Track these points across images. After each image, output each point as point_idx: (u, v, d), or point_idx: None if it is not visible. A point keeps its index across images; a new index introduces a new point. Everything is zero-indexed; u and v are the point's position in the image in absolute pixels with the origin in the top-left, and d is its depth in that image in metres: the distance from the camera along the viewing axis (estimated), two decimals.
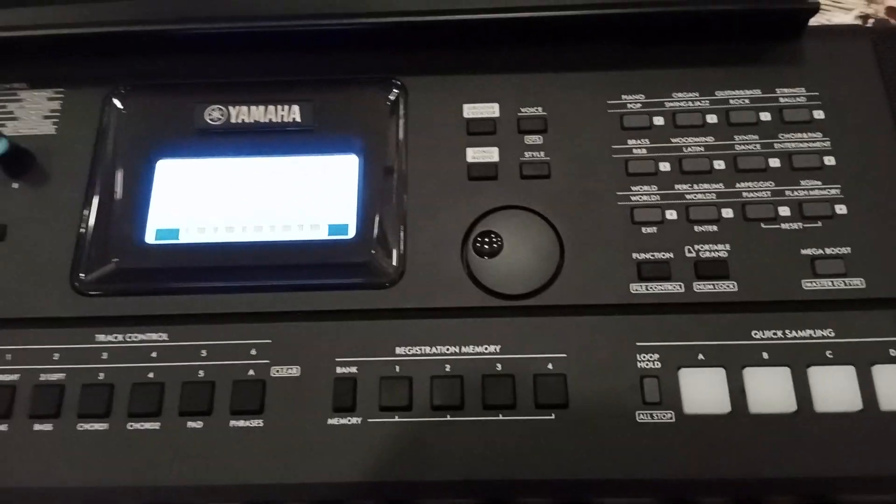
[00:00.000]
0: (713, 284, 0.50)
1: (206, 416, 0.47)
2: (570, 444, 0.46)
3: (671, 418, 0.47)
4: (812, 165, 0.53)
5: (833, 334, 0.48)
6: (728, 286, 0.50)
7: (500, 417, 0.47)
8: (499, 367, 0.48)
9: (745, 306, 0.50)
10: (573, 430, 0.46)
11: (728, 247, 0.51)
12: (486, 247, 0.51)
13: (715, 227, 0.52)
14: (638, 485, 0.46)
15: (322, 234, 0.52)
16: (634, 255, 0.51)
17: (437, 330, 0.49)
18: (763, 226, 0.51)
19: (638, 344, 0.48)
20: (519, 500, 0.46)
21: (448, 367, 0.48)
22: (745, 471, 0.45)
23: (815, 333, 0.48)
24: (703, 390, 0.47)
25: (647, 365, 0.48)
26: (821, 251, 0.50)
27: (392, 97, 0.56)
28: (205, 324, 0.50)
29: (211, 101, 0.55)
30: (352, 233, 0.52)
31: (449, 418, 0.47)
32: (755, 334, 0.49)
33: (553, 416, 0.47)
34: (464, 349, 0.48)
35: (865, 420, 0.46)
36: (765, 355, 0.48)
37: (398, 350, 0.48)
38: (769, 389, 0.47)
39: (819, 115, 0.54)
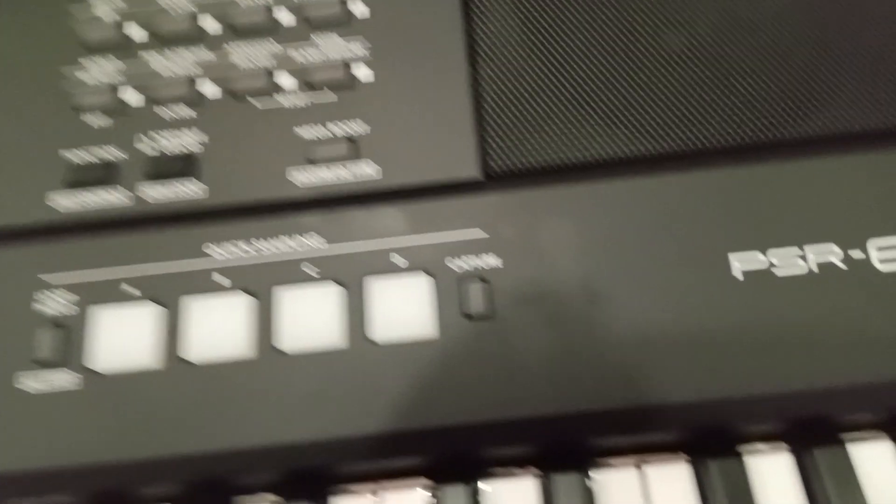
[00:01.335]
0: (174, 189, 0.35)
1: None
2: None
3: (72, 383, 0.32)
4: (333, 17, 0.38)
5: (324, 243, 0.34)
6: (194, 190, 0.35)
7: None
8: None
9: (211, 215, 0.35)
10: None
11: (205, 137, 0.37)
12: None
13: (190, 111, 0.37)
14: None
15: None
16: (64, 153, 0.36)
17: None
18: (255, 104, 0.37)
19: (41, 277, 0.34)
20: None
21: None
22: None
23: (294, 244, 0.34)
24: (124, 338, 0.33)
25: (47, 308, 0.33)
26: (327, 133, 0.36)
27: None
28: None
29: None
30: None
31: None
32: (210, 249, 0.34)
33: None
34: None
35: (350, 360, 0.32)
36: (218, 279, 0.34)
37: None
38: (218, 327, 0.33)
39: None
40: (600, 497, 0.32)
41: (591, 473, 0.33)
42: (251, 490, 0.34)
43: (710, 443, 0.32)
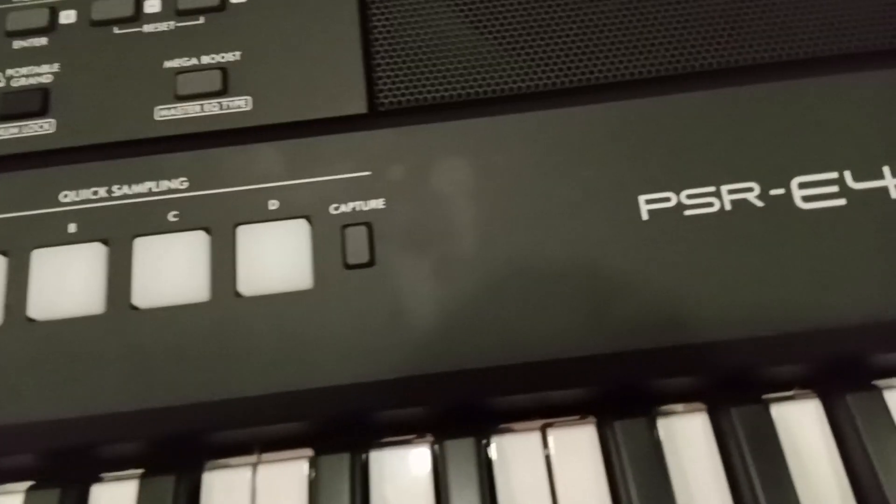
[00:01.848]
0: (19, 126, 0.31)
1: None
2: None
3: None
4: None
5: (186, 185, 0.30)
6: (42, 126, 0.31)
7: None
8: None
9: (65, 155, 0.31)
10: None
11: (56, 67, 0.32)
12: None
13: (43, 40, 0.33)
14: None
15: None
16: None
17: None
18: (117, 31, 0.33)
19: None
20: None
21: None
22: None
23: (157, 186, 0.30)
24: None
25: None
26: (194, 60, 0.32)
27: None
28: None
29: None
30: None
31: None
32: (64, 197, 0.30)
33: None
34: None
35: (213, 314, 0.29)
36: (73, 228, 0.30)
37: None
38: (68, 281, 0.29)
39: None
40: (498, 464, 0.29)
41: (491, 439, 0.29)
42: (117, 463, 0.30)
43: (613, 402, 0.29)
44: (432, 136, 0.31)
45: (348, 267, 0.29)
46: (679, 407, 0.30)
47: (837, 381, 0.28)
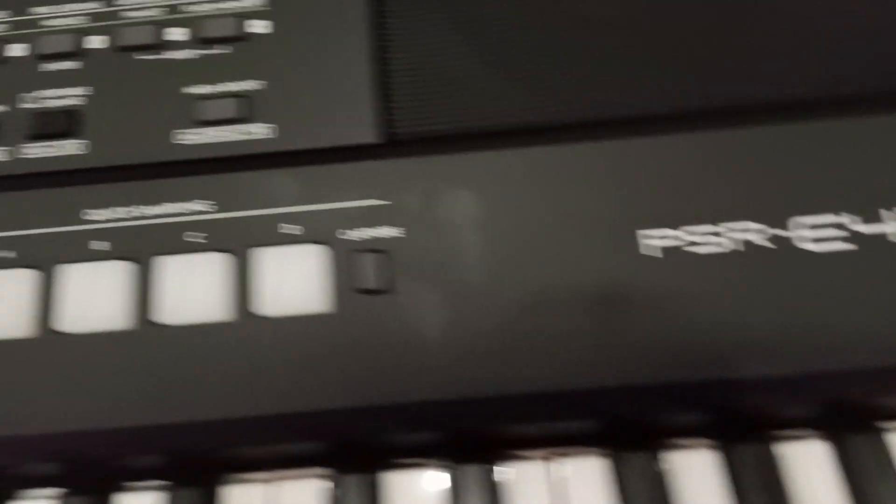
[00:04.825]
0: (54, 145, 0.32)
1: None
2: None
3: None
4: None
5: (211, 209, 0.31)
6: (76, 147, 0.32)
7: None
8: None
9: (90, 175, 0.32)
10: None
11: (89, 90, 0.33)
12: None
13: (75, 63, 0.34)
14: None
15: None
16: None
17: None
18: (138, 57, 0.34)
19: None
20: None
21: None
22: None
23: (180, 208, 0.31)
24: None
25: None
26: (217, 89, 0.33)
27: None
28: None
29: None
30: None
31: None
32: (88, 215, 0.31)
33: None
34: None
35: (236, 333, 0.29)
36: (96, 245, 0.31)
37: None
38: (94, 297, 0.30)
39: None
40: (508, 492, 0.30)
41: (498, 466, 0.30)
42: (139, 476, 0.31)
43: (622, 433, 0.29)
44: (449, 168, 0.31)
45: (364, 292, 0.30)
46: (687, 441, 0.30)
47: (844, 421, 0.29)
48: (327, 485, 0.30)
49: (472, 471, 0.30)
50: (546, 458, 0.30)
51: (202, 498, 0.30)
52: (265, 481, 0.31)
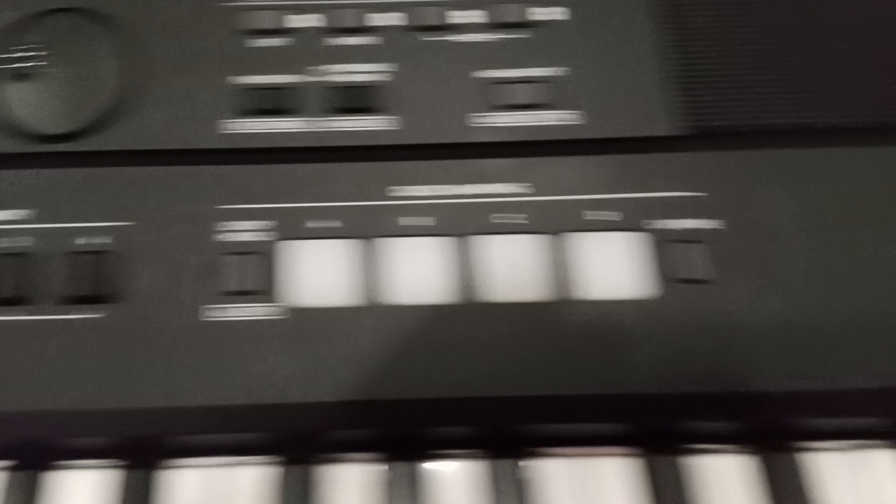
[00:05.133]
0: (363, 120, 0.33)
1: None
2: (118, 354, 0.29)
3: (270, 314, 0.30)
4: None
5: (531, 189, 0.32)
6: (386, 122, 0.33)
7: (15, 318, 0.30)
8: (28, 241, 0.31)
9: (396, 151, 0.32)
10: (125, 334, 0.30)
11: (392, 68, 0.34)
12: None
13: (367, 39, 0.34)
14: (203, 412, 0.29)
15: None
16: (232, 80, 0.33)
17: None
18: (438, 38, 0.34)
19: (218, 208, 0.31)
20: None
21: None
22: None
23: (496, 189, 0.32)
24: (315, 274, 0.30)
25: (228, 238, 0.31)
26: (517, 73, 0.33)
27: None
28: None
29: None
30: None
31: None
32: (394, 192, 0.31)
33: (101, 314, 0.30)
34: None
35: (557, 313, 0.30)
36: (404, 221, 0.31)
37: None
38: (415, 273, 0.30)
39: None
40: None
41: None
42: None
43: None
44: (760, 163, 0.32)
45: (688, 281, 0.30)
46: (722, 447, 0.31)
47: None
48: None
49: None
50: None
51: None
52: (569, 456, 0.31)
